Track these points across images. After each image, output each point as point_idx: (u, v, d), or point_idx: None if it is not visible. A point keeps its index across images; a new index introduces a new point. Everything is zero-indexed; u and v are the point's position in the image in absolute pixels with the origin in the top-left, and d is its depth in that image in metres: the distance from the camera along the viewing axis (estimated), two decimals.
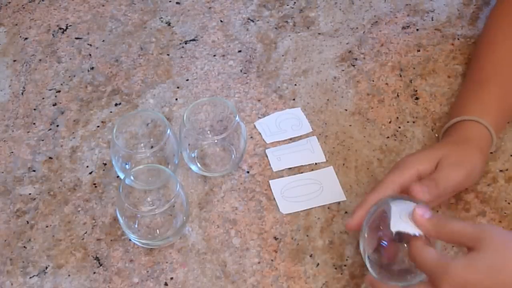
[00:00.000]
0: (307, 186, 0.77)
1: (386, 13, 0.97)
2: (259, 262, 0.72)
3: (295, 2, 0.99)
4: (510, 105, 0.78)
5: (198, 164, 0.79)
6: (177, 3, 1.01)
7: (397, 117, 0.84)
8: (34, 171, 0.80)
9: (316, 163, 0.80)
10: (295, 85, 0.88)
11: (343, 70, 0.90)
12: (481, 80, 0.80)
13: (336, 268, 0.71)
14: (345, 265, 0.71)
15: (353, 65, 0.90)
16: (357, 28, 0.95)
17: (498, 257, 0.57)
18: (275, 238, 0.73)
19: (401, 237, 0.61)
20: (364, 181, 0.78)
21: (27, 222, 0.76)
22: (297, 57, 0.92)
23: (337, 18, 0.97)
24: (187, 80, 0.89)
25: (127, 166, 0.77)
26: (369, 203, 0.66)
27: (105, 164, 0.80)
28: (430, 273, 0.58)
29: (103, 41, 0.95)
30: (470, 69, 0.85)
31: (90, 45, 0.95)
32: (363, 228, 0.64)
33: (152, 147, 0.80)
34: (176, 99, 0.87)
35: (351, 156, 0.80)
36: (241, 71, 0.90)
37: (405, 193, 0.66)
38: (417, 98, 0.86)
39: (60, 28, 0.97)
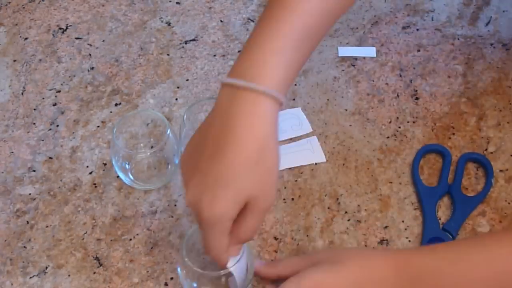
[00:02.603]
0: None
1: (386, 13, 0.97)
2: None
3: None
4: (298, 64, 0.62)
5: None
6: (177, 3, 1.01)
7: (397, 117, 0.84)
8: (34, 171, 0.80)
9: (316, 163, 0.80)
10: (295, 85, 0.88)
11: (343, 70, 0.90)
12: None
13: None
14: None
15: (353, 65, 0.90)
16: (357, 28, 0.95)
17: (335, 257, 0.63)
18: (275, 238, 0.73)
19: None
20: (364, 181, 0.78)
21: (27, 222, 0.75)
22: None
23: None
24: (187, 80, 0.89)
25: (127, 166, 0.77)
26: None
27: (105, 164, 0.80)
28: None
29: (103, 41, 0.95)
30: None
31: (90, 45, 0.95)
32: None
33: (152, 147, 0.80)
34: (176, 99, 0.87)
35: (351, 156, 0.80)
36: None
37: None
38: (417, 98, 0.86)
39: (60, 28, 0.97)
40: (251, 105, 0.57)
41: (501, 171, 0.78)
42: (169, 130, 0.74)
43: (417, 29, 0.95)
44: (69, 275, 0.71)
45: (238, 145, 0.56)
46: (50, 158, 0.81)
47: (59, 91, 0.89)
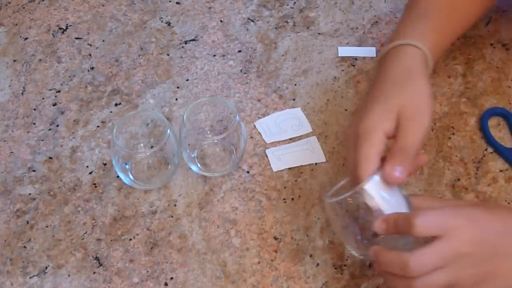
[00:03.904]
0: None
1: (386, 13, 0.97)
2: (259, 262, 0.72)
3: (295, 2, 0.99)
4: (449, 31, 0.79)
5: (198, 164, 0.79)
6: (177, 3, 1.01)
7: None
8: (34, 171, 0.80)
9: (316, 163, 0.80)
10: (295, 85, 0.88)
11: (343, 70, 0.90)
12: (420, 6, 0.78)
13: (336, 268, 0.71)
14: (345, 265, 0.71)
15: (353, 65, 0.90)
16: (357, 28, 0.95)
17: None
18: (275, 238, 0.73)
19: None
20: None
21: (27, 222, 0.76)
22: (297, 57, 0.92)
23: (337, 18, 0.97)
24: (187, 80, 0.89)
25: (127, 166, 0.77)
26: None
27: (105, 164, 0.80)
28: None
29: (103, 41, 0.95)
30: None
31: (90, 45, 0.95)
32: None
33: (152, 147, 0.80)
34: (176, 99, 0.87)
35: None
36: (241, 71, 0.90)
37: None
38: None
39: (60, 28, 0.97)
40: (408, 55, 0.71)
41: (501, 171, 0.78)
42: (169, 130, 0.74)
43: None
44: (69, 275, 0.71)
45: (386, 73, 0.70)
46: (50, 158, 0.81)
47: (59, 91, 0.89)
